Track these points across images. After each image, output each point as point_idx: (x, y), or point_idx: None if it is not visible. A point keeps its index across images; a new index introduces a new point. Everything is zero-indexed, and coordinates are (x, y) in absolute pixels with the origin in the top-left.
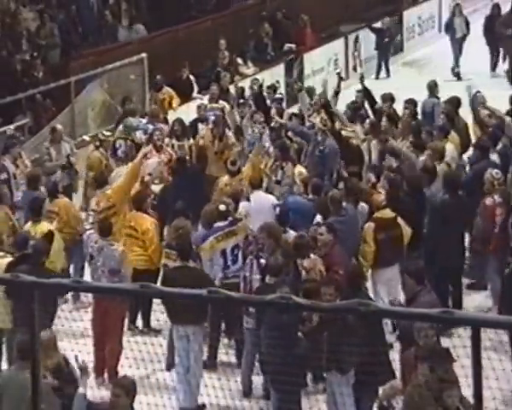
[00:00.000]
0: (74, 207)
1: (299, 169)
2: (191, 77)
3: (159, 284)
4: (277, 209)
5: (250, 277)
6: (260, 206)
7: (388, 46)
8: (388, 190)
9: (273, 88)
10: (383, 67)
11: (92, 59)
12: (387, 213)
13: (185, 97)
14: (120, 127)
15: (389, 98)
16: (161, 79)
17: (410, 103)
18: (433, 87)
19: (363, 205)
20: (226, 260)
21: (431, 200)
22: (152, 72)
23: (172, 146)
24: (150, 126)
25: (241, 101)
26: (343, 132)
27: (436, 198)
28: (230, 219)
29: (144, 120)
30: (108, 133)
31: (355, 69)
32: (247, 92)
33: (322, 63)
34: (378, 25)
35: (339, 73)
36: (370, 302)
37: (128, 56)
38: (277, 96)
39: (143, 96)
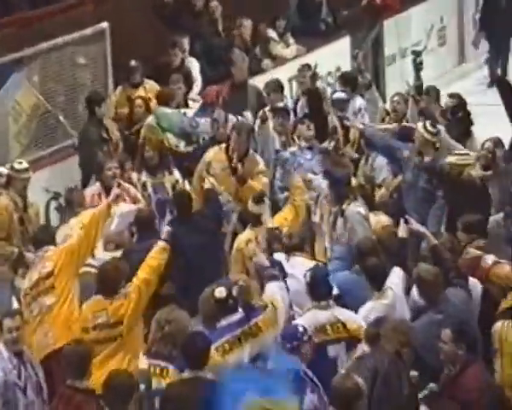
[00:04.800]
0: None
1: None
2: (191, 62)
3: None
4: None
5: None
6: (292, 281)
7: None
8: None
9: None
10: None
11: (16, 32)
12: None
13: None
14: (150, 119)
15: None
16: (138, 65)
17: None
18: None
19: None
20: None
21: None
22: (119, 54)
23: (143, 185)
24: (202, 121)
25: (280, 105)
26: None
27: None
28: (241, 310)
29: (190, 111)
30: (22, 166)
31: (476, 45)
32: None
33: (418, 35)
34: None
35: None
36: None
37: (77, 27)
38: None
39: (105, 95)
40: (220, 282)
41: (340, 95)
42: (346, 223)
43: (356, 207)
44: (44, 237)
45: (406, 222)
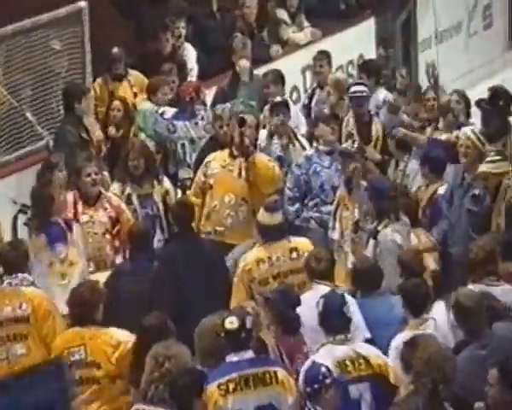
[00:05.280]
0: None
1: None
2: (187, 49)
3: None
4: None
5: None
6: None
7: None
8: None
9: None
10: None
11: None
12: None
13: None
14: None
15: None
16: (122, 53)
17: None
18: None
19: None
20: None
21: None
22: (99, 38)
23: (128, 198)
24: (179, 124)
25: (278, 99)
26: None
27: None
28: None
29: (170, 112)
30: None
31: None
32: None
33: (458, 14)
34: None
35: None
36: None
37: (50, 7)
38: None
39: (83, 88)
40: (231, 313)
41: (357, 88)
42: (376, 247)
43: (392, 233)
44: (15, 260)
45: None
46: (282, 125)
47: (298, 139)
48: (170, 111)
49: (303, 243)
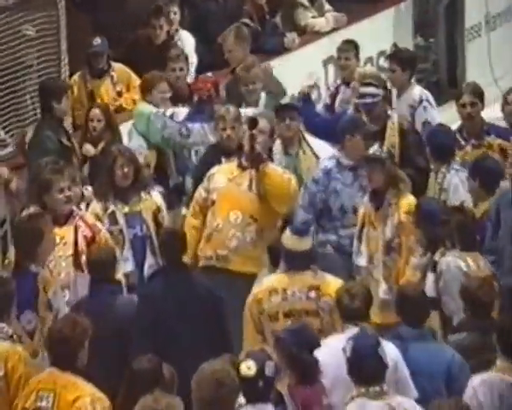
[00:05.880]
0: None
1: None
2: (184, 38)
3: None
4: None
5: None
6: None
7: None
8: None
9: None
10: None
11: None
12: None
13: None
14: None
15: None
16: (104, 44)
17: None
18: None
19: None
20: None
21: None
22: (77, 24)
23: (111, 216)
24: (196, 126)
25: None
26: None
27: None
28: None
29: (181, 113)
30: None
31: None
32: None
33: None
34: None
35: None
36: None
37: None
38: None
39: (64, 85)
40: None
41: (366, 90)
42: (439, 281)
43: (455, 260)
44: None
45: None
46: (289, 131)
47: (309, 145)
48: (181, 113)
49: (329, 283)
